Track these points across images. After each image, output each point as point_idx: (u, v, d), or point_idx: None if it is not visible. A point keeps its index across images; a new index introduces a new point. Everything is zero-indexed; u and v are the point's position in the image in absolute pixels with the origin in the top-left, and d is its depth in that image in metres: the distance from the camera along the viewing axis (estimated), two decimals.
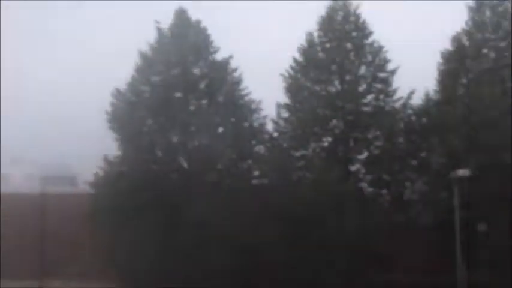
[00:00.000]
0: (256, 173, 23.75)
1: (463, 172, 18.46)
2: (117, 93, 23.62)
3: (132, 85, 23.71)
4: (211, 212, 20.53)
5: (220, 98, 23.74)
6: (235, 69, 23.82)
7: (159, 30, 24.03)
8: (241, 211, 21.07)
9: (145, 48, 23.75)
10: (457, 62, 22.12)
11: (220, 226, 20.61)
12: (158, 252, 20.76)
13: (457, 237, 18.70)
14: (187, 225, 20.73)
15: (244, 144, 23.51)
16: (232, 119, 23.58)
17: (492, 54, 21.37)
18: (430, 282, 20.28)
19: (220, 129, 23.66)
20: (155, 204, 20.95)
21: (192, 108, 23.66)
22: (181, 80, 23.46)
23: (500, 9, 21.60)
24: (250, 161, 23.68)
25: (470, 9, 22.31)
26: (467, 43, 22.12)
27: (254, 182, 23.63)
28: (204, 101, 23.74)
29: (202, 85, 23.86)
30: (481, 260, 19.47)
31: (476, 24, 22.04)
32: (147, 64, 23.83)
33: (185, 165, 23.42)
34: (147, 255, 20.69)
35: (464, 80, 21.83)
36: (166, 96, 23.27)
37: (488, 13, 21.90)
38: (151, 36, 23.88)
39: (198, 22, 24.17)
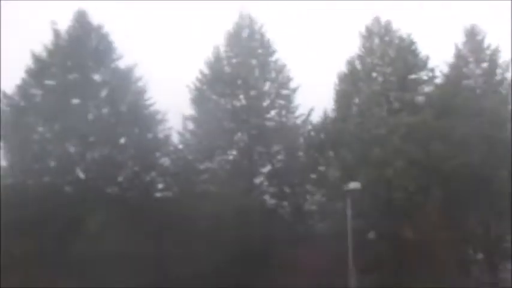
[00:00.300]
0: (160, 185, 23.12)
1: (354, 185, 19.98)
2: (4, 97, 21.36)
3: (22, 88, 21.63)
4: (111, 226, 19.45)
5: (123, 107, 22.44)
6: (139, 78, 22.87)
7: (55, 31, 22.34)
8: (143, 224, 20.29)
9: (39, 49, 21.95)
10: (350, 84, 23.93)
11: (120, 240, 19.60)
12: (48, 270, 18.98)
13: (349, 245, 20.13)
14: (83, 239, 19.34)
15: (148, 156, 22.54)
16: (136, 130, 22.57)
17: (380, 78, 23.70)
18: (326, 285, 21.49)
19: (122, 140, 22.60)
20: (47, 219, 19.18)
21: (91, 116, 22.32)
22: (80, 86, 21.95)
23: (387, 38, 24.09)
24: (153, 173, 22.70)
25: (362, 36, 24.60)
26: (359, 67, 24.23)
27: (157, 194, 23.02)
28: (105, 110, 22.31)
29: (103, 93, 22.54)
30: (370, 264, 21.21)
31: (367, 50, 24.25)
32: (41, 66, 21.92)
33: (82, 176, 21.94)
34: (35, 274, 18.78)
35: (356, 100, 23.82)
36: (61, 102, 21.55)
37: (376, 41, 24.29)
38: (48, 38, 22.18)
39: (100, 26, 22.91)
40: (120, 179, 21.98)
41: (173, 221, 20.86)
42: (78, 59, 21.90)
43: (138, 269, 19.56)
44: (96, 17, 22.87)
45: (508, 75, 23.05)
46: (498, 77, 23.20)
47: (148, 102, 23.02)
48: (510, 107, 22.53)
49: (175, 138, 23.58)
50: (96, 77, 22.40)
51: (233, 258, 20.43)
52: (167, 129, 23.36)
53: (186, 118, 23.86)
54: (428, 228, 20.31)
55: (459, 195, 21.00)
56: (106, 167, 21.40)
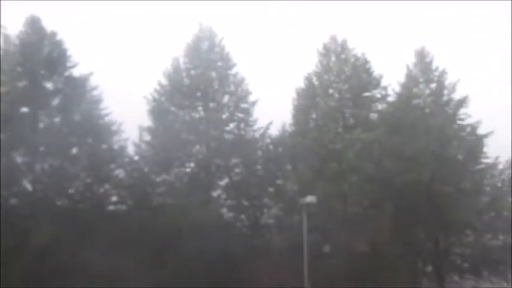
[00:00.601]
0: (114, 198, 22.35)
1: (310, 198, 20.26)
2: None
3: None
4: (60, 240, 18.59)
5: (76, 117, 21.73)
6: (95, 87, 22.19)
7: (4, 36, 21.33)
8: (95, 239, 19.53)
9: None
10: (308, 99, 24.41)
11: (70, 255, 18.77)
12: None
13: (304, 258, 20.33)
14: (31, 254, 18.33)
15: (101, 168, 21.80)
16: (89, 140, 21.82)
17: (336, 95, 24.33)
18: None
19: (75, 150, 21.74)
20: None
21: (41, 125, 21.37)
22: (30, 94, 21.03)
23: (343, 56, 24.85)
24: (107, 186, 21.93)
25: (319, 53, 25.20)
26: (316, 83, 24.75)
27: (111, 207, 22.24)
28: (57, 119, 21.50)
29: (55, 101, 21.70)
30: (325, 277, 21.50)
31: (324, 67, 24.81)
32: None
33: (30, 188, 20.84)
34: None
35: (314, 115, 24.30)
36: (9, 110, 20.55)
37: (333, 58, 24.97)
38: None
39: (54, 33, 22.11)
40: (71, 191, 21.10)
41: (127, 235, 20.25)
42: (29, 66, 21.00)
43: (90, 284, 18.81)
44: (50, 24, 22.08)
45: (453, 95, 24.36)
46: (445, 98, 24.44)
47: (103, 112, 22.36)
48: (456, 126, 23.74)
49: (131, 150, 23.06)
50: (48, 85, 21.56)
51: (189, 272, 20.09)
52: (123, 140, 22.79)
53: (142, 129, 23.36)
54: (381, 241, 20.95)
55: (410, 210, 21.82)
56: (56, 178, 20.50)
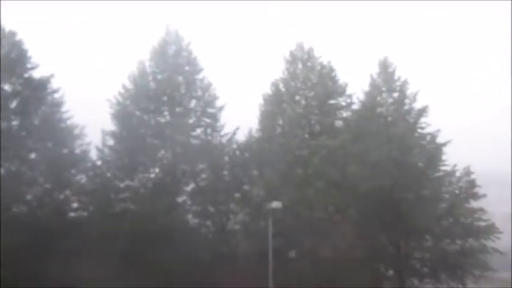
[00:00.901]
0: (75, 204, 21.64)
1: (276, 204, 20.34)
2: None
3: None
4: (18, 247, 17.79)
5: (36, 120, 21.00)
6: (56, 90, 21.47)
7: None
8: (55, 246, 18.85)
9: None
10: (275, 105, 24.51)
11: (28, 263, 18.01)
12: None
13: (269, 263, 20.37)
14: None
15: (62, 173, 21.09)
16: (49, 144, 21.06)
17: (303, 102, 24.57)
18: None
19: (33, 155, 20.98)
20: None
21: None
22: None
23: (309, 64, 25.16)
24: (68, 191, 21.29)
25: (286, 60, 25.41)
26: (283, 89, 24.89)
27: (72, 214, 21.52)
28: (15, 122, 20.62)
29: (13, 104, 20.86)
30: (290, 282, 21.62)
31: (291, 74, 25.01)
32: None
33: None
34: None
35: (280, 121, 24.45)
36: None
37: (300, 66, 25.24)
38: None
39: (13, 33, 21.20)
40: (29, 197, 20.30)
41: (89, 242, 19.64)
42: None
43: None
44: (8, 23, 21.19)
45: (414, 105, 25.18)
46: (406, 107, 25.25)
47: (64, 116, 21.70)
48: (417, 134, 24.54)
49: (93, 155, 22.38)
50: (6, 87, 20.66)
51: (153, 279, 19.72)
52: (85, 144, 22.19)
53: (105, 133, 22.72)
54: (345, 246, 21.29)
55: (373, 216, 22.33)
56: (13, 183, 19.59)
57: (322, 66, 24.72)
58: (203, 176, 23.31)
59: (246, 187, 23.81)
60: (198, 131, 23.68)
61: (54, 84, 21.49)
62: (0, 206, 18.53)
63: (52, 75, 21.48)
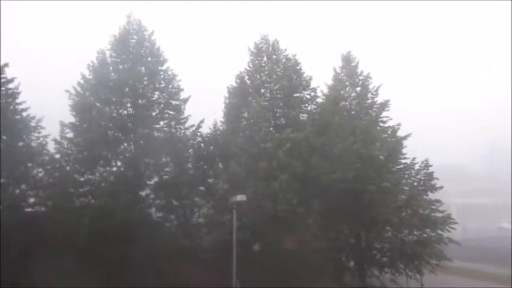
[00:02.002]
0: (32, 199, 20.81)
1: (240, 197, 20.29)
2: None
3: None
4: None
5: None
6: (11, 80, 20.42)
7: None
8: (10, 243, 18.11)
9: None
10: (239, 98, 24.35)
11: None
12: None
13: (233, 256, 20.38)
14: None
15: (18, 166, 20.24)
16: (3, 137, 20.09)
17: (268, 94, 24.52)
18: None
19: None
20: None
21: None
22: None
23: (274, 56, 25.05)
24: (24, 186, 20.44)
25: (251, 52, 25.27)
26: (248, 82, 24.74)
27: (28, 209, 20.70)
28: None
29: None
30: (253, 277, 21.75)
31: (256, 66, 24.86)
32: None
33: None
34: None
35: (245, 114, 24.32)
36: None
37: (265, 58, 25.15)
38: None
39: None
40: None
41: (46, 238, 19.00)
42: None
43: None
44: None
45: (377, 99, 25.72)
46: (369, 101, 25.77)
47: (20, 107, 20.69)
48: (379, 128, 25.10)
49: (51, 147, 21.52)
50: None
51: (115, 275, 19.34)
52: (42, 137, 21.28)
53: (64, 125, 21.90)
54: (309, 238, 21.59)
55: (336, 207, 22.73)
56: None
57: (287, 59, 24.73)
58: (167, 169, 22.91)
59: (210, 180, 23.64)
60: (162, 123, 23.17)
61: (8, 74, 20.31)
62: None
63: (6, 64, 20.36)
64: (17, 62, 21.29)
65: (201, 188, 23.27)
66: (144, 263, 19.71)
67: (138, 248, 19.87)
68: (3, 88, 20.29)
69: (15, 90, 20.57)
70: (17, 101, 20.58)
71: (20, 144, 20.44)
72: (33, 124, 20.91)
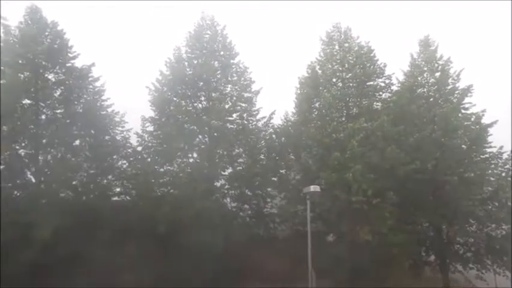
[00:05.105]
0: (118, 189, 22.20)
1: (314, 188, 20.02)
2: None
3: None
4: (65, 231, 18.54)
5: (79, 108, 21.55)
6: (97, 78, 21.93)
7: (4, 27, 20.96)
8: (100, 230, 19.52)
9: None
10: (311, 88, 23.95)
11: (75, 247, 18.77)
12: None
13: (308, 247, 20.22)
14: (36, 246, 18.31)
15: (105, 159, 21.63)
16: (92, 131, 21.64)
17: (340, 84, 23.94)
18: None
19: (77, 142, 21.62)
20: None
21: (44, 117, 21.15)
22: (32, 86, 20.77)
23: (346, 45, 24.35)
24: (110, 177, 21.78)
25: (323, 42, 24.75)
26: (320, 72, 24.27)
27: (115, 198, 22.08)
28: (59, 111, 21.13)
29: (57, 93, 21.51)
30: (329, 266, 21.44)
31: (327, 56, 24.29)
32: None
33: (34, 180, 20.73)
34: None
35: (317, 104, 23.93)
36: (11, 103, 20.33)
37: (336, 47, 24.49)
38: None
39: (55, 24, 21.71)
40: (74, 182, 20.92)
41: (131, 225, 20.22)
42: (30, 57, 20.67)
43: (95, 275, 18.89)
44: (50, 14, 21.74)
45: (458, 84, 23.96)
46: (449, 86, 24.05)
47: (106, 103, 22.13)
48: (461, 115, 23.38)
49: (133, 141, 22.81)
50: (50, 77, 21.26)
51: (194, 262, 20.10)
52: (125, 131, 22.61)
53: (145, 120, 23.13)
54: (384, 230, 20.81)
55: (413, 199, 21.63)
56: (59, 169, 20.27)
57: (360, 47, 23.85)
58: (240, 160, 23.27)
59: (282, 171, 23.62)
60: (234, 115, 23.54)
61: (95, 73, 21.83)
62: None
63: (93, 64, 21.85)
64: (102, 62, 22.71)
65: (274, 178, 23.32)
66: (220, 250, 20.22)
67: (213, 236, 20.44)
68: (90, 86, 21.75)
69: (101, 88, 21.96)
70: (103, 98, 21.95)
71: (106, 138, 21.82)
72: (117, 119, 22.24)
